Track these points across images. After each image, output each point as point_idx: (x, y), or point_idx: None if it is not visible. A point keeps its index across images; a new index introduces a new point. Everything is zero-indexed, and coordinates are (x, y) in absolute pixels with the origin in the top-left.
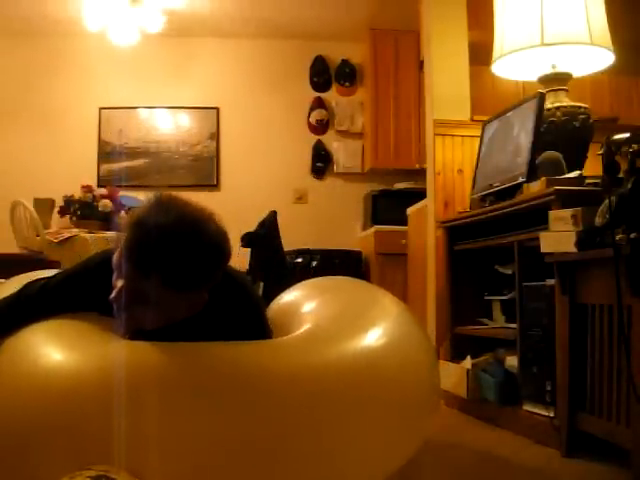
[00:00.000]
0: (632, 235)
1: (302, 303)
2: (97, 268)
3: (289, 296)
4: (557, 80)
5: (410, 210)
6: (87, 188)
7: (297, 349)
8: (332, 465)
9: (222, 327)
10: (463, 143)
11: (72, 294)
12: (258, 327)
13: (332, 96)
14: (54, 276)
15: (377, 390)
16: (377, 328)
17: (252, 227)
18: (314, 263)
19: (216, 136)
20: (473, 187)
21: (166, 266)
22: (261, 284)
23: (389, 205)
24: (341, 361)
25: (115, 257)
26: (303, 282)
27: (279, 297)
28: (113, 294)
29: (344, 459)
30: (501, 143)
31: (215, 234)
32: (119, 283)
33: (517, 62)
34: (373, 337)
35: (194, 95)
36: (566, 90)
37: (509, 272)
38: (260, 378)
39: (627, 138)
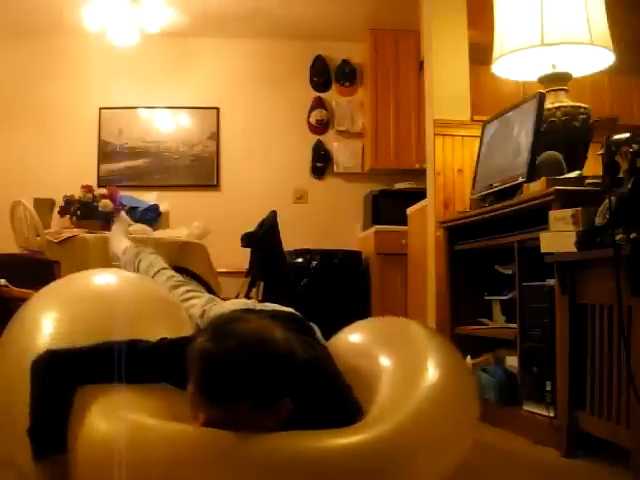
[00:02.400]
0: (632, 235)
1: (368, 360)
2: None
3: (352, 337)
4: (557, 80)
5: (410, 210)
6: (87, 188)
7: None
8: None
9: (310, 420)
10: (463, 143)
11: (159, 366)
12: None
13: (332, 96)
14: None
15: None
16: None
17: (252, 227)
18: (314, 263)
19: (216, 136)
20: (473, 187)
21: (245, 391)
22: (261, 284)
23: (389, 205)
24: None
25: (189, 392)
26: (361, 324)
27: (341, 334)
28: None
29: None
30: (501, 143)
31: (283, 343)
32: (201, 417)
33: (517, 62)
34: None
35: (194, 95)
36: (566, 90)
37: (509, 272)
38: None
39: (627, 138)
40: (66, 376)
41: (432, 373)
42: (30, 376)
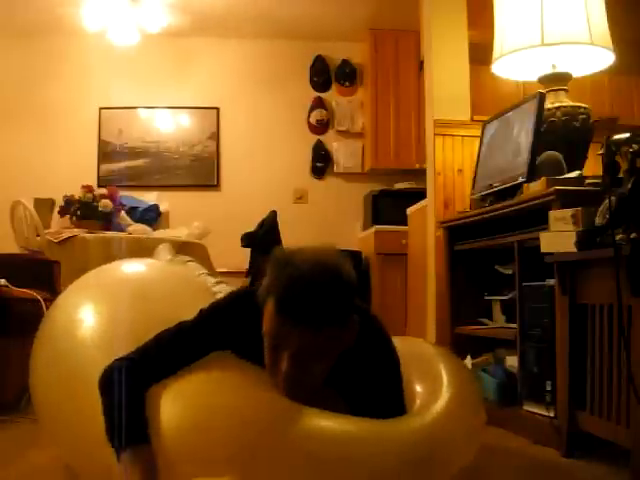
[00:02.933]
0: (632, 235)
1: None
2: (229, 308)
3: None
4: (557, 80)
5: (410, 210)
6: (87, 188)
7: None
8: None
9: (359, 377)
10: (463, 143)
11: (210, 336)
12: (393, 382)
13: (332, 96)
14: (190, 321)
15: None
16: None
17: (252, 227)
18: None
19: (216, 136)
20: (473, 187)
21: (333, 312)
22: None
23: (389, 205)
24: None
25: (266, 325)
26: None
27: None
28: (277, 366)
29: None
30: (501, 143)
31: (349, 267)
32: (284, 354)
33: (517, 62)
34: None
35: (194, 95)
36: (566, 90)
37: (509, 272)
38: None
39: (627, 138)
40: (138, 383)
41: (449, 386)
42: (101, 389)
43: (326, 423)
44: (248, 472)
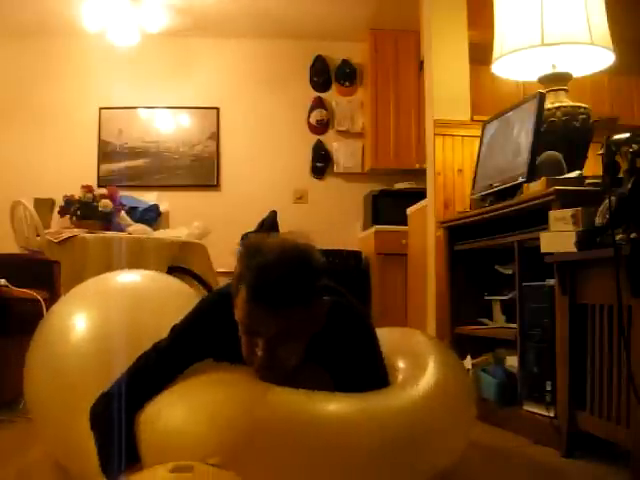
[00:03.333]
0: (632, 235)
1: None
2: (210, 313)
3: None
4: (557, 80)
5: (410, 210)
6: (87, 188)
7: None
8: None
9: (337, 353)
10: (463, 143)
11: (192, 347)
12: (371, 357)
13: (332, 96)
14: (168, 337)
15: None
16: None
17: (252, 227)
18: None
19: (216, 136)
20: (473, 187)
21: (300, 294)
22: None
23: (389, 205)
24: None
25: (239, 314)
26: None
27: None
28: (254, 352)
29: None
30: (501, 143)
31: (316, 253)
32: (260, 343)
33: (517, 62)
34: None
35: (194, 95)
36: (566, 90)
37: (509, 272)
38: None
39: (627, 138)
40: (125, 412)
41: (435, 372)
42: (91, 423)
43: (303, 403)
44: (233, 458)
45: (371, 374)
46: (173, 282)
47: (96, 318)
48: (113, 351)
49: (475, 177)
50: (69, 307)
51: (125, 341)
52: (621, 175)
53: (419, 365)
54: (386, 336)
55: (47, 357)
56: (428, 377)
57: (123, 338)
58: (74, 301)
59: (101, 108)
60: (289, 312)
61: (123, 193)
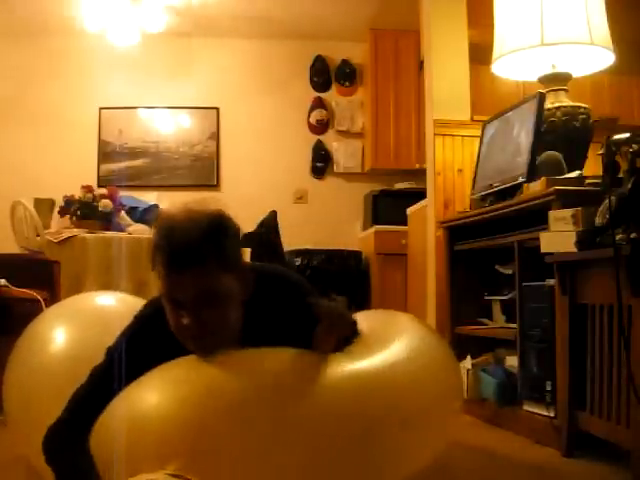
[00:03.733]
0: (632, 235)
1: None
2: (142, 326)
3: None
4: (557, 80)
5: (410, 210)
6: (87, 188)
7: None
8: (368, 462)
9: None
10: (463, 143)
11: (128, 364)
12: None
13: (332, 96)
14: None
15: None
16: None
17: (252, 227)
18: (314, 263)
19: (216, 136)
20: (473, 187)
21: (212, 250)
22: None
23: (389, 205)
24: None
25: (164, 291)
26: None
27: None
28: (182, 323)
29: (382, 459)
30: (501, 143)
31: (228, 220)
32: (183, 310)
33: (517, 62)
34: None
35: (194, 95)
36: (566, 90)
37: (509, 272)
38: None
39: (627, 138)
40: (76, 442)
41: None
42: (45, 458)
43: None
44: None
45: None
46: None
47: (69, 337)
48: (82, 365)
49: (475, 177)
50: (46, 325)
51: (94, 359)
52: (621, 175)
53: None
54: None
55: (24, 369)
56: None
57: (92, 357)
58: (51, 322)
59: (101, 108)
60: (203, 272)
61: (123, 193)
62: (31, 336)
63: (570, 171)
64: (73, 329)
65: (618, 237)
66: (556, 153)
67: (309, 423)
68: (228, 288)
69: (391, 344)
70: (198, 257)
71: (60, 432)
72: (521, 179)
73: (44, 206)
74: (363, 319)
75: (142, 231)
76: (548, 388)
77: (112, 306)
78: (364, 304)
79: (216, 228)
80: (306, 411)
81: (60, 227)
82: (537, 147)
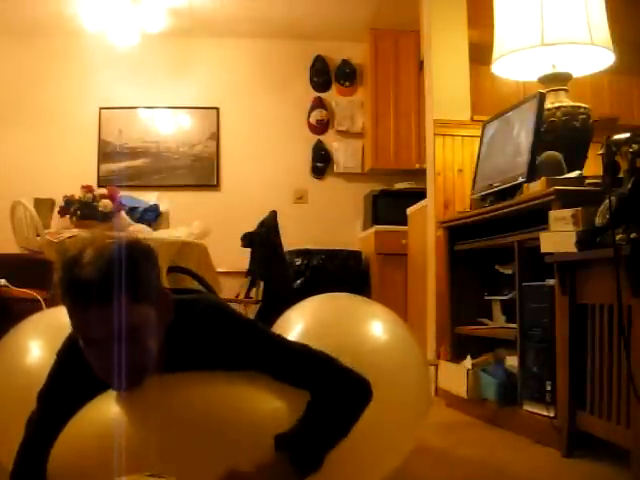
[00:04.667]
0: (632, 235)
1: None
2: (65, 363)
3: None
4: (557, 80)
5: (410, 210)
6: (87, 188)
7: None
8: (332, 466)
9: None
10: (463, 143)
11: (62, 404)
12: (258, 337)
13: (332, 96)
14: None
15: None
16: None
17: (252, 227)
18: (314, 263)
19: (216, 136)
20: (473, 187)
21: (120, 283)
22: (261, 284)
23: (389, 205)
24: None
25: (72, 324)
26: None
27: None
28: (97, 363)
29: (348, 459)
30: (501, 143)
31: (136, 244)
32: (97, 348)
33: (517, 62)
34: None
35: (194, 95)
36: (566, 90)
37: (509, 272)
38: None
39: (627, 138)
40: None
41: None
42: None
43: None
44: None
45: (281, 355)
46: None
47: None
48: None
49: (475, 177)
50: (21, 336)
51: None
52: (621, 175)
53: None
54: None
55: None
56: None
57: None
58: (25, 332)
59: (101, 108)
60: (110, 308)
61: (123, 193)
62: (5, 345)
63: (570, 171)
64: (45, 342)
65: (618, 237)
66: (556, 153)
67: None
68: (142, 318)
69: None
70: (104, 292)
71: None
72: (521, 179)
73: (44, 206)
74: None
75: (142, 231)
76: (548, 388)
77: None
78: None
79: (125, 258)
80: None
81: (60, 227)
82: (537, 147)
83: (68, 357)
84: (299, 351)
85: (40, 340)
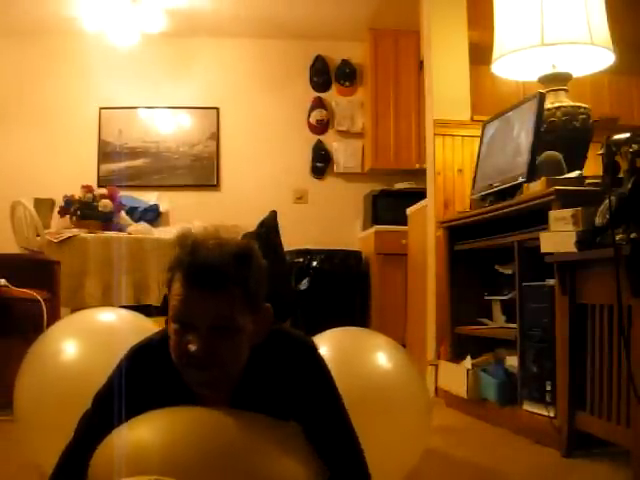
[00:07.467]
0: (632, 235)
1: None
2: (131, 368)
3: None
4: (557, 80)
5: (410, 210)
6: (87, 188)
7: None
8: None
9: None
10: (463, 143)
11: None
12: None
13: (332, 96)
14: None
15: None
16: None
17: (252, 227)
18: (314, 263)
19: (216, 136)
20: (473, 187)
21: (238, 275)
22: None
23: (389, 205)
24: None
25: (172, 305)
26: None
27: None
28: (187, 350)
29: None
30: (501, 143)
31: (257, 250)
32: (192, 335)
33: (517, 62)
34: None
35: (194, 95)
36: (566, 90)
37: (509, 272)
38: None
39: (627, 138)
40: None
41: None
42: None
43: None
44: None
45: (337, 422)
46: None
47: (82, 346)
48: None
49: (475, 177)
50: (57, 336)
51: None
52: (621, 175)
53: None
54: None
55: (38, 377)
56: None
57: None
58: (62, 332)
59: (101, 108)
60: (225, 297)
61: (123, 193)
62: (44, 344)
63: (570, 171)
64: (83, 341)
65: (618, 237)
66: (556, 153)
67: None
68: (244, 324)
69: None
70: (223, 279)
71: (62, 467)
72: (521, 179)
73: (44, 206)
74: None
75: (142, 231)
76: (548, 388)
77: (119, 322)
78: (364, 304)
79: (245, 258)
80: None
81: (60, 227)
82: (537, 147)
83: (134, 366)
84: (349, 427)
85: (74, 343)
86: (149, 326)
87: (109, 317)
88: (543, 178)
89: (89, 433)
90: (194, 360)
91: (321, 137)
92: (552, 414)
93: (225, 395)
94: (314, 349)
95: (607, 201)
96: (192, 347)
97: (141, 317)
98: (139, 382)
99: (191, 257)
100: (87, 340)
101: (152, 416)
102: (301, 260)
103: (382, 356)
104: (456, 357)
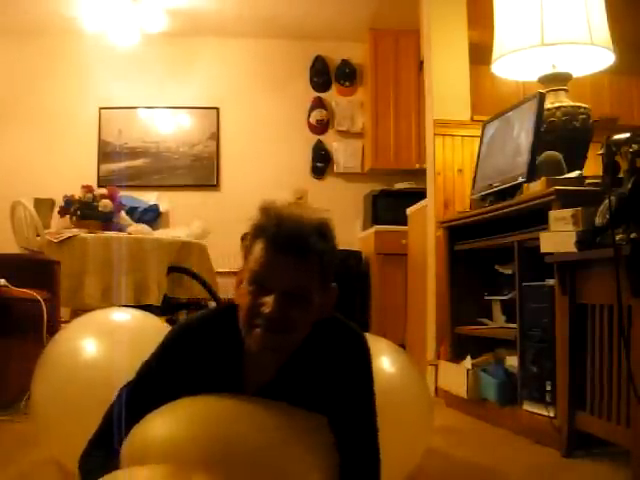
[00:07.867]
0: (632, 235)
1: None
2: (177, 345)
3: None
4: (557, 80)
5: (410, 210)
6: (87, 188)
7: None
8: None
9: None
10: (463, 143)
11: (160, 386)
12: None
13: (332, 96)
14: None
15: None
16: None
17: None
18: None
19: (216, 136)
20: (473, 187)
21: (317, 244)
22: None
23: (389, 205)
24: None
25: (251, 267)
26: None
27: None
28: (260, 311)
29: None
30: (501, 143)
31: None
32: (266, 298)
33: (517, 62)
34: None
35: (194, 95)
36: (566, 90)
37: (509, 272)
38: None
39: (627, 138)
40: (105, 454)
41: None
42: (81, 474)
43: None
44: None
45: (366, 419)
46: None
47: (99, 342)
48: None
49: (475, 177)
50: (74, 334)
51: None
52: (621, 175)
53: None
54: None
55: (55, 373)
56: None
57: (124, 361)
58: (79, 329)
59: (101, 108)
60: (305, 264)
61: (123, 193)
62: (60, 343)
63: (570, 171)
64: (97, 340)
65: (618, 237)
66: (556, 153)
67: None
68: (315, 296)
69: None
70: (306, 249)
71: (92, 452)
72: (521, 179)
73: (44, 206)
74: None
75: (142, 231)
76: (548, 388)
77: (132, 321)
78: (364, 304)
79: (325, 232)
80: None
81: (60, 227)
82: (537, 147)
83: (180, 341)
84: (374, 428)
85: (89, 342)
86: (161, 325)
87: (122, 317)
88: (543, 178)
89: (131, 405)
90: (266, 322)
91: (321, 137)
92: (552, 414)
93: (275, 366)
94: (365, 343)
95: (607, 201)
96: (266, 309)
97: (152, 317)
98: (184, 357)
99: (276, 221)
100: (102, 339)
101: (183, 404)
102: None
103: (385, 360)
104: (456, 357)
